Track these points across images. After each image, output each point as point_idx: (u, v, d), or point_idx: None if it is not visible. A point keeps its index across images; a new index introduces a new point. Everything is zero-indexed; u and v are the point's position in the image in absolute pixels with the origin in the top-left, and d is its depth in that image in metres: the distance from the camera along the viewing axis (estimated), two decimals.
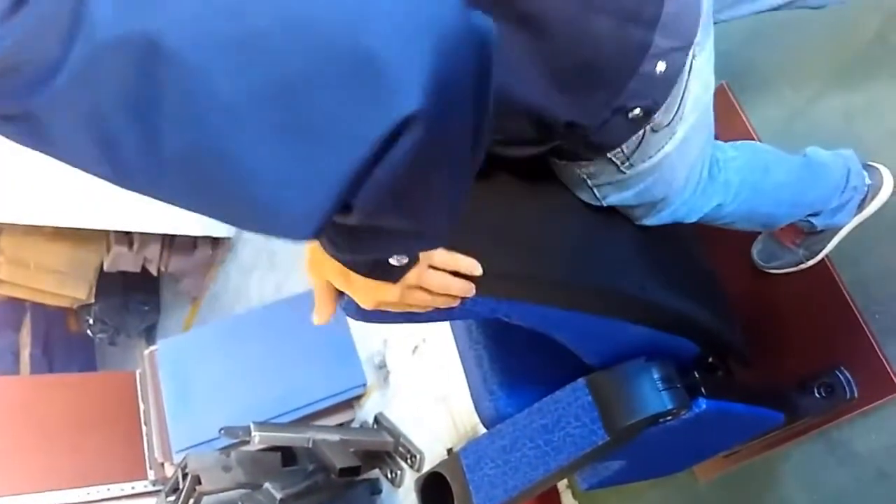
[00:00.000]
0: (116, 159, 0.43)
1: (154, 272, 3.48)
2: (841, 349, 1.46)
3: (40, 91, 0.39)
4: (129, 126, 0.41)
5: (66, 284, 3.45)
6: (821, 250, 1.48)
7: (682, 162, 0.94)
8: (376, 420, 2.47)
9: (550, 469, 0.96)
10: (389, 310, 0.73)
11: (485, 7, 0.44)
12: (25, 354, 3.81)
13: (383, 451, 2.38)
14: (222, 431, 2.16)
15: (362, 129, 0.40)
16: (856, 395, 1.42)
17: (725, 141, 1.14)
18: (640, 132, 0.84)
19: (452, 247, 0.71)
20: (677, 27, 0.77)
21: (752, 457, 1.56)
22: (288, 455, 2.41)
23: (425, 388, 2.33)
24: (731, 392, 1.09)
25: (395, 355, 2.49)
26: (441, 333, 2.26)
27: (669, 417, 0.94)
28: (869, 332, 1.43)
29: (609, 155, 0.86)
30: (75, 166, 0.46)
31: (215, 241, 3.51)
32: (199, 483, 2.01)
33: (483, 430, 1.09)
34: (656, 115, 0.83)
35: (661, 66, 0.78)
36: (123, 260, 3.38)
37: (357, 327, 2.60)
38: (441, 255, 0.71)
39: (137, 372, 2.85)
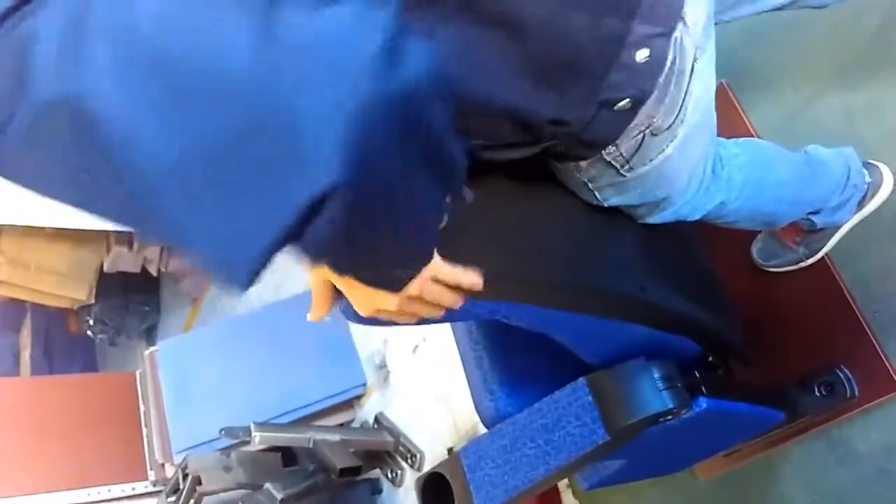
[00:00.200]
0: (71, 201, 0.47)
1: (154, 273, 3.48)
2: (841, 347, 1.46)
3: None
4: (75, 179, 0.45)
5: (66, 285, 3.44)
6: (821, 248, 1.48)
7: (684, 163, 0.93)
8: (376, 420, 2.46)
9: (551, 468, 0.95)
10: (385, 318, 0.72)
11: (450, 12, 0.45)
12: (26, 355, 3.80)
13: (384, 450, 2.37)
14: (223, 432, 2.16)
15: (288, 195, 0.42)
16: (856, 393, 1.42)
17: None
18: (640, 136, 0.83)
19: (452, 249, 0.70)
20: (657, 12, 0.75)
21: (752, 455, 1.56)
22: (288, 455, 2.41)
23: (425, 387, 2.33)
24: (731, 391, 1.09)
25: (395, 355, 2.49)
26: (441, 333, 2.26)
27: (670, 417, 0.94)
28: (869, 331, 1.43)
29: (607, 157, 0.85)
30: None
31: None
32: (200, 483, 2.01)
33: (483, 430, 1.09)
34: (656, 119, 0.82)
35: (642, 55, 0.75)
36: (123, 260, 3.38)
37: (357, 327, 2.59)
38: (446, 269, 0.69)
39: (138, 373, 2.84)
